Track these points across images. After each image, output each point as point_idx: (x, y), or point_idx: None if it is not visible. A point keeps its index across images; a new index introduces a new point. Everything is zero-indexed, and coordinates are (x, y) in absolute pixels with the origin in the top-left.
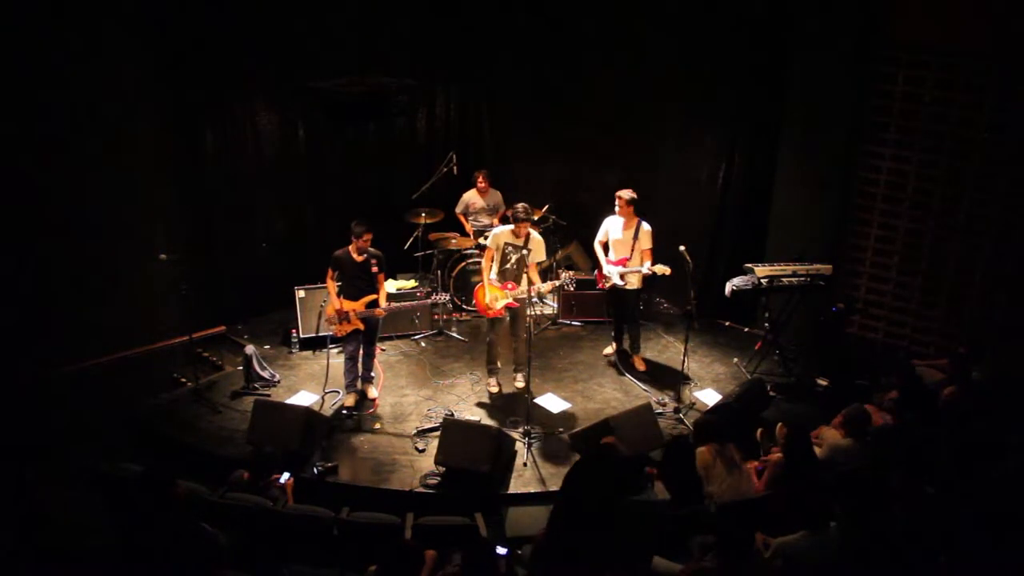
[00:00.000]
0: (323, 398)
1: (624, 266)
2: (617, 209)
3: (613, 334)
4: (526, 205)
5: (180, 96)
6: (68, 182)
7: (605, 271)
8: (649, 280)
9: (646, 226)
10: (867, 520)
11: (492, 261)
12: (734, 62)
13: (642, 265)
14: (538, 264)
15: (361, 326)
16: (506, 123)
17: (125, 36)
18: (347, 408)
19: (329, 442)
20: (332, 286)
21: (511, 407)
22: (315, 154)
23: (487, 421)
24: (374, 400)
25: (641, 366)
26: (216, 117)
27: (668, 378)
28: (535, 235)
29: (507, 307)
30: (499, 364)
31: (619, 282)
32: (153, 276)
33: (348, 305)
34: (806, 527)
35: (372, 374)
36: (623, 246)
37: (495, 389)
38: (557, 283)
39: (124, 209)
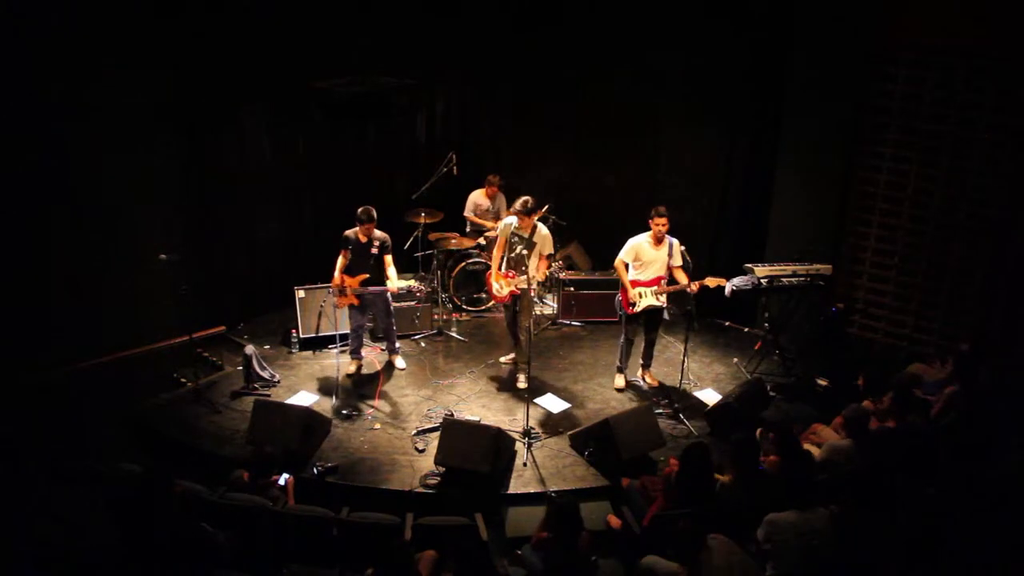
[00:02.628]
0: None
1: (659, 285)
2: (659, 228)
3: (620, 364)
4: (528, 199)
5: (180, 96)
6: (68, 182)
7: (632, 293)
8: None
9: (677, 242)
10: (866, 520)
11: (501, 249)
12: (734, 62)
13: (685, 284)
14: (548, 257)
15: (356, 301)
16: (506, 123)
17: (125, 36)
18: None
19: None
20: (341, 263)
21: (511, 407)
22: (315, 154)
23: (487, 421)
24: (375, 399)
25: (653, 381)
26: (216, 117)
27: (668, 378)
28: (542, 229)
29: (512, 295)
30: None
31: (655, 302)
32: (153, 276)
33: (347, 280)
34: (795, 507)
35: (397, 345)
36: (658, 264)
37: (506, 359)
38: (547, 271)
39: (124, 209)
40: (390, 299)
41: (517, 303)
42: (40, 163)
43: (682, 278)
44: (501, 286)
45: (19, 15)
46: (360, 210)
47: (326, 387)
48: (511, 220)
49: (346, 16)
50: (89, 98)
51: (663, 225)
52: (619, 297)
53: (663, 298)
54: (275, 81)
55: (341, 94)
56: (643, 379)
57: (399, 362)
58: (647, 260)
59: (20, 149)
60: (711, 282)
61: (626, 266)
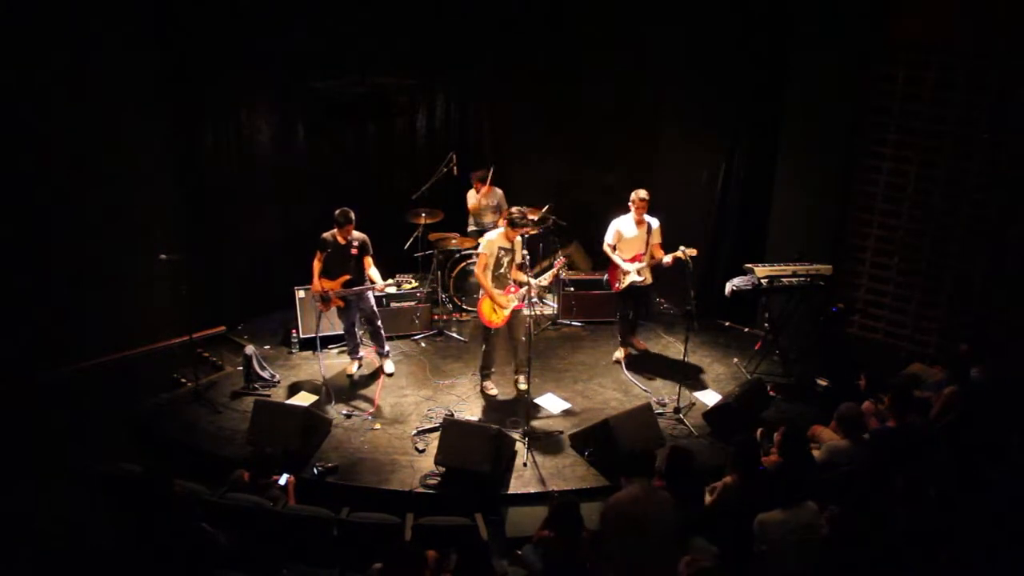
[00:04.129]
0: (325, 387)
1: (640, 261)
2: (635, 209)
3: (619, 339)
4: (522, 209)
5: (180, 96)
6: (68, 182)
7: (623, 267)
8: (655, 277)
9: (655, 221)
10: (866, 520)
11: (490, 268)
12: (734, 62)
13: (660, 258)
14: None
15: (341, 304)
16: (506, 123)
17: (126, 35)
18: (349, 375)
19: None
20: (316, 266)
21: (511, 407)
22: (315, 154)
23: (487, 421)
24: (374, 401)
25: (641, 345)
26: (216, 117)
27: (668, 378)
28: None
29: (514, 310)
30: (494, 369)
31: (638, 279)
32: (153, 276)
33: (327, 285)
34: (780, 506)
35: (386, 349)
36: (637, 243)
37: (493, 392)
38: (553, 272)
39: (124, 209)
40: (372, 300)
41: (512, 315)
42: (40, 163)
43: (659, 254)
44: (505, 303)
45: (19, 15)
46: (338, 212)
47: (326, 387)
48: (495, 236)
49: (346, 16)
50: (88, 97)
51: (640, 205)
52: (607, 276)
53: (647, 274)
54: (275, 81)
55: (341, 94)
56: (635, 346)
57: (388, 366)
58: (627, 239)
59: (20, 149)
60: (683, 253)
61: (613, 248)
